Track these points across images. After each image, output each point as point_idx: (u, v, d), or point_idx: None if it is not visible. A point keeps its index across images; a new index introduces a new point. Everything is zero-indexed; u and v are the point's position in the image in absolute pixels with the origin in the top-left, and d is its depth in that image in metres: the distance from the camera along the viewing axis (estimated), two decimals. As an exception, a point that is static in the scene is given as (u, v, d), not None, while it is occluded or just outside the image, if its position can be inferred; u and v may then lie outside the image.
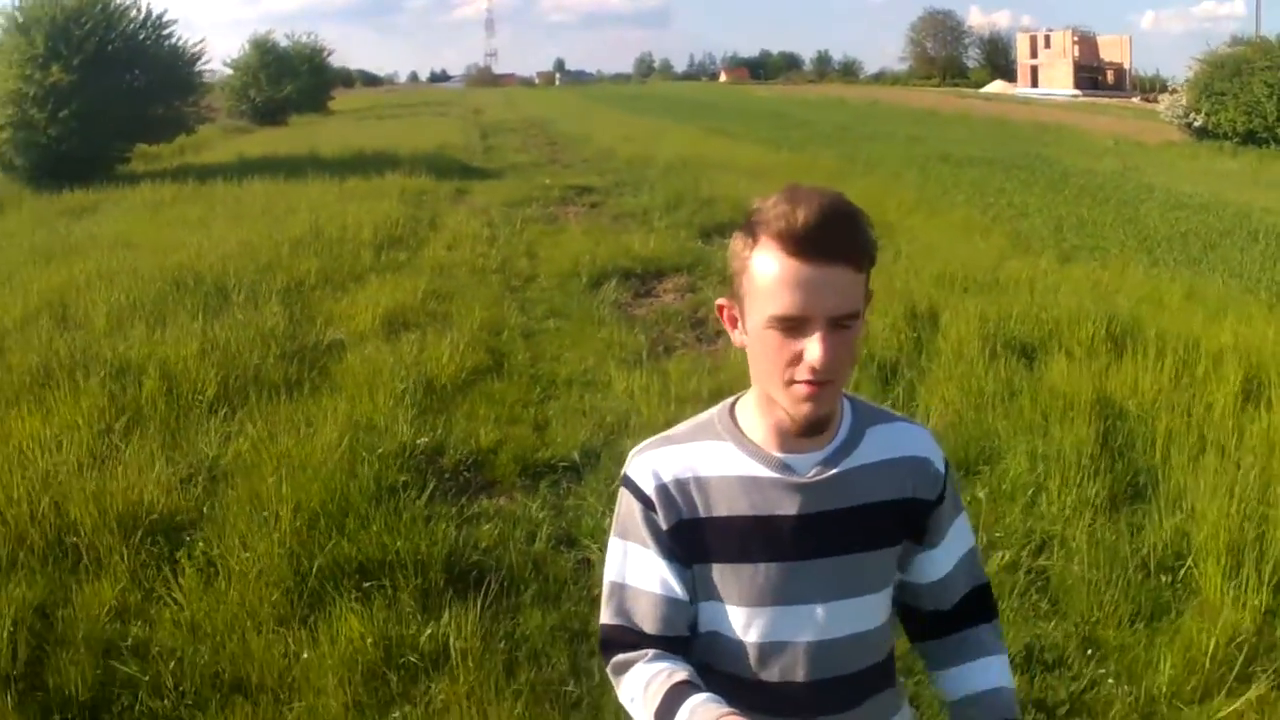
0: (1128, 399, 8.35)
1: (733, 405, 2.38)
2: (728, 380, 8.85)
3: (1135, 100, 75.37)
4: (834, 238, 2.05)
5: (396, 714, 4.69)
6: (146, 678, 4.87)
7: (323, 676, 4.81)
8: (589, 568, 6.12)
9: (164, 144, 34.25)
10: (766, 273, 2.09)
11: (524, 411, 8.67)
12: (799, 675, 2.29)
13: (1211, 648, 5.14)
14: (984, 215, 19.74)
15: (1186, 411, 8.07)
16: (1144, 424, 7.89)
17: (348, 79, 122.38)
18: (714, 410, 2.39)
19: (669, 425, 5.67)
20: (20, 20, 29.47)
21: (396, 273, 13.54)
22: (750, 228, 2.13)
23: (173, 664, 4.97)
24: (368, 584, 5.62)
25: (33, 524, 6.11)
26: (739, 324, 2.22)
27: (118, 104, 29.36)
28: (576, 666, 5.15)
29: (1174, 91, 48.45)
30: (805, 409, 2.16)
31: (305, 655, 4.97)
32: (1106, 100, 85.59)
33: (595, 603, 5.22)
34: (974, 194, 23.02)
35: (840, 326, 2.08)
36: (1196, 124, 43.88)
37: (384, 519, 6.22)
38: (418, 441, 7.71)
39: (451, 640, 5.14)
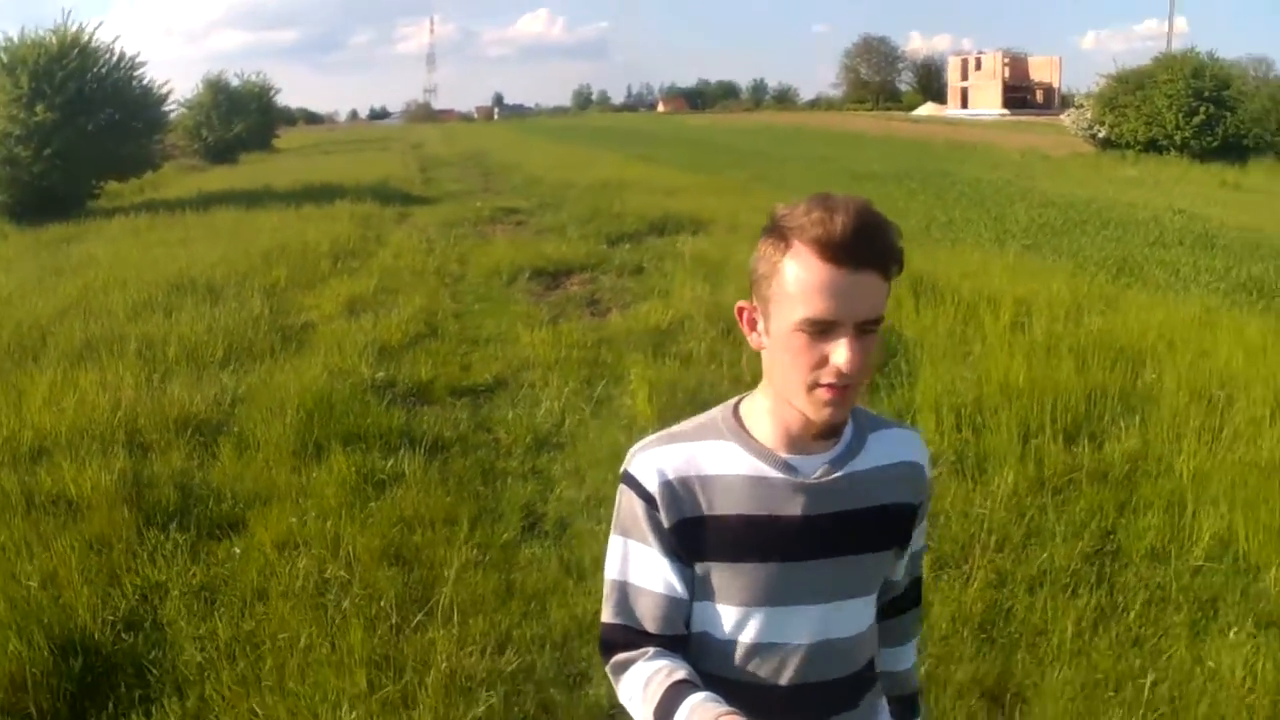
0: (902, 325, 11.23)
1: (736, 406, 2.40)
2: (604, 334, 12.15)
3: (1061, 118, 79.00)
4: (868, 245, 2.08)
5: (374, 505, 7.41)
6: (209, 496, 7.63)
7: (324, 488, 7.59)
8: (496, 442, 8.93)
9: (127, 181, 36.24)
10: (800, 277, 2.09)
11: (453, 358, 11.47)
12: (784, 679, 2.33)
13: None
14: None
15: (950, 336, 10.94)
16: (905, 338, 10.79)
17: (290, 118, 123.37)
18: (717, 410, 2.41)
19: (559, 365, 8.65)
20: (5, 61, 31.35)
21: (352, 275, 16.30)
22: (780, 232, 2.14)
23: (226, 490, 7.74)
24: (349, 445, 8.41)
25: (118, 428, 8.86)
26: (758, 326, 2.24)
27: (94, 142, 31.30)
28: (481, 475, 8.01)
29: (1079, 106, 51.95)
30: (827, 413, 2.17)
31: (315, 475, 7.81)
32: (1031, 119, 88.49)
33: (499, 449, 8.15)
34: (859, 200, 25.52)
35: (866, 332, 2.12)
36: (1100, 135, 47.39)
37: (357, 412, 9.09)
38: (376, 376, 10.55)
39: (406, 467, 8.01)
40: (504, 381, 10.71)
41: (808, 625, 2.31)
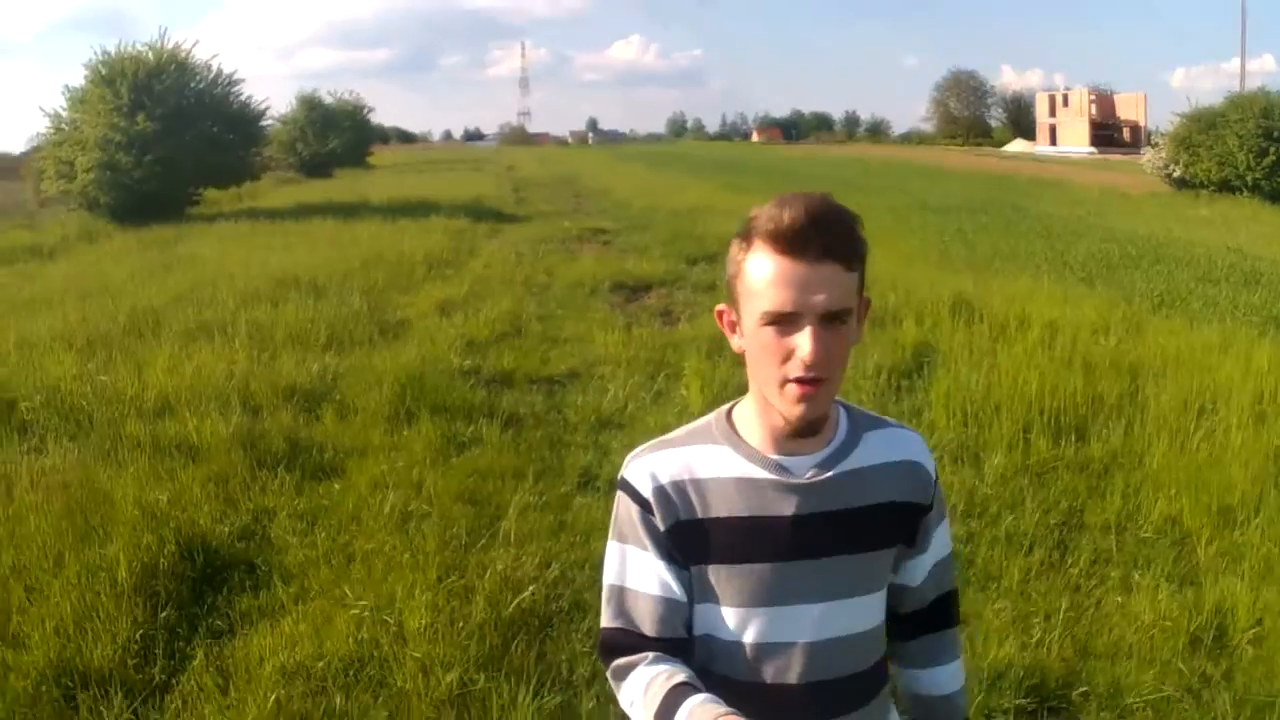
0: (939, 340, 12.42)
1: (729, 410, 2.44)
2: (672, 339, 13.32)
3: (1138, 157, 78.24)
4: (820, 236, 2.10)
5: (454, 460, 8.72)
6: (313, 447, 8.99)
7: (413, 444, 8.94)
8: (564, 420, 10.22)
9: (226, 190, 38.38)
10: (759, 273, 2.14)
11: (533, 353, 12.76)
12: (793, 677, 2.34)
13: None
14: (932, 247, 23.25)
15: (978, 349, 12.09)
16: (939, 350, 11.97)
17: (384, 136, 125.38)
18: (710, 416, 2.45)
19: (627, 363, 9.99)
20: (104, 73, 33.50)
21: (444, 281, 17.73)
22: (745, 234, 2.20)
23: (328, 444, 9.10)
24: (436, 414, 9.74)
25: (233, 392, 10.26)
26: (736, 328, 2.29)
27: (193, 151, 33.35)
28: (549, 444, 9.32)
29: (1155, 145, 51.44)
30: (799, 409, 2.19)
31: (405, 435, 9.16)
32: (1119, 157, 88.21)
33: (566, 425, 9.45)
34: (933, 233, 26.29)
35: (832, 323, 2.13)
36: (1175, 175, 47.00)
37: (444, 389, 10.46)
38: (463, 364, 11.91)
39: (484, 433, 9.34)
40: (577, 374, 12.01)
41: (809, 624, 2.33)
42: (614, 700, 2.40)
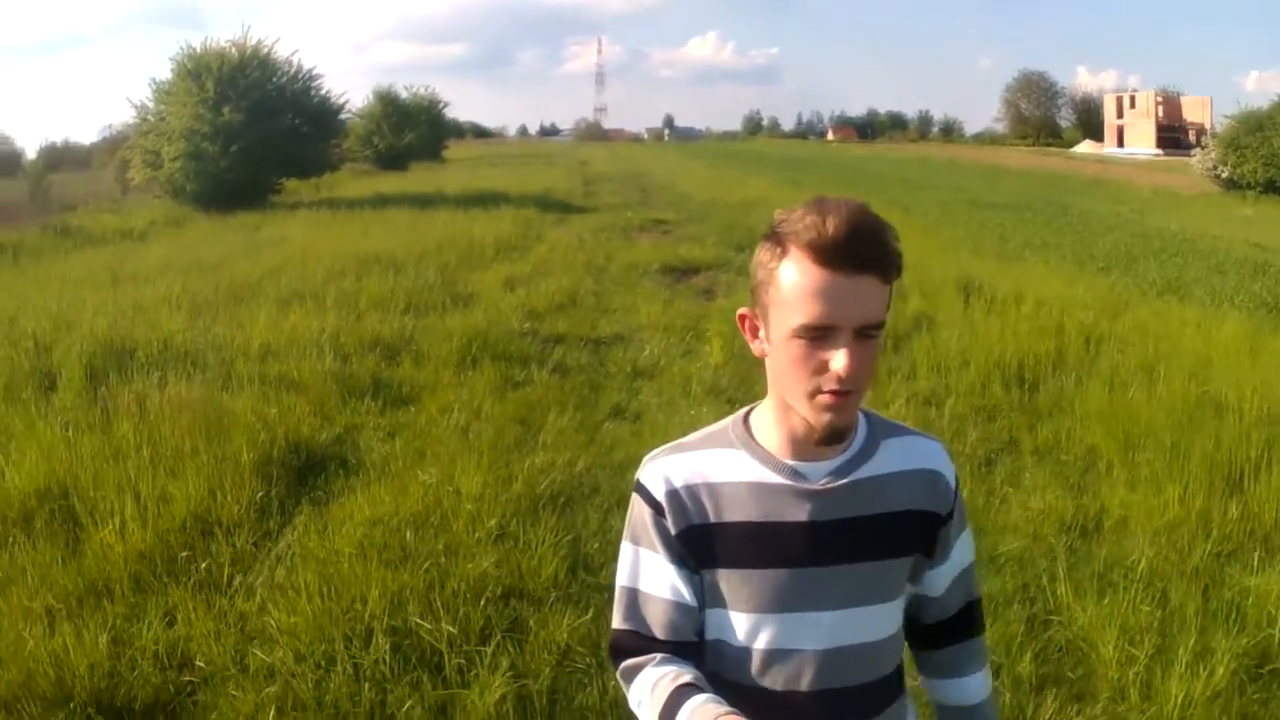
0: (938, 312, 14.14)
1: (746, 415, 2.41)
2: (707, 311, 15.16)
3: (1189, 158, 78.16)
4: (863, 248, 2.05)
5: (509, 394, 10.55)
6: (393, 383, 10.88)
7: (476, 383, 10.79)
8: (605, 370, 12.06)
9: (306, 180, 40.40)
10: (794, 282, 2.08)
11: (585, 320, 14.64)
12: (804, 684, 2.31)
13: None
14: (968, 238, 24.81)
15: (970, 319, 13.76)
16: (937, 320, 13.69)
17: (459, 131, 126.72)
18: (727, 420, 2.43)
19: (665, 328, 11.90)
20: (190, 67, 35.45)
21: (510, 262, 19.60)
22: (777, 238, 2.14)
23: (405, 381, 11.02)
24: (496, 361, 11.60)
25: (325, 343, 12.16)
26: (760, 333, 2.24)
27: (277, 142, 35.35)
28: (589, 385, 11.16)
29: (1204, 147, 52.92)
30: (827, 419, 2.15)
31: (470, 375, 11.05)
32: (1182, 159, 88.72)
33: (606, 374, 11.31)
34: (974, 226, 28.12)
35: (865, 337, 2.09)
36: (1224, 175, 48.29)
37: (504, 342, 12.37)
38: (523, 326, 13.76)
39: (535, 374, 11.24)
40: (621, 336, 13.85)
41: (822, 631, 2.30)
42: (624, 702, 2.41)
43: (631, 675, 2.34)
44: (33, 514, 7.21)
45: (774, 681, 2.32)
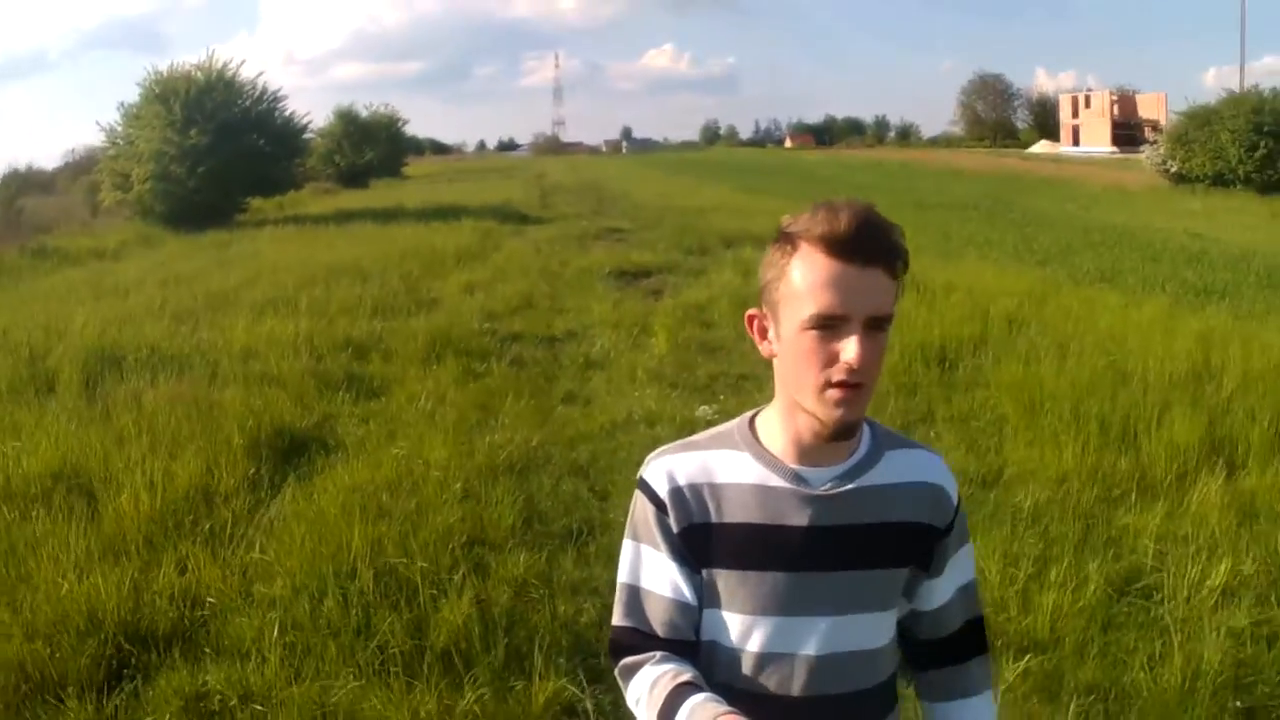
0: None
1: (753, 418, 2.43)
2: (654, 309, 16.12)
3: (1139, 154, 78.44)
4: (872, 241, 2.12)
5: (470, 385, 11.52)
6: (364, 377, 11.85)
7: (440, 375, 11.78)
8: (558, 362, 13.05)
9: (270, 199, 41.30)
10: (807, 275, 2.13)
11: (540, 320, 15.67)
12: (796, 689, 2.33)
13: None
14: (909, 238, 25.62)
15: (898, 307, 14.74)
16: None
17: (419, 147, 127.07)
18: (734, 422, 2.44)
19: (615, 324, 13.01)
20: (158, 91, 36.49)
21: (470, 270, 20.63)
22: (787, 238, 2.18)
23: (376, 375, 12.02)
24: (458, 356, 12.61)
25: (301, 343, 13.12)
26: (769, 333, 2.27)
27: (243, 163, 36.34)
28: (544, 376, 12.12)
29: (1154, 142, 53.73)
30: (838, 413, 2.17)
31: (434, 367, 12.03)
32: (1138, 156, 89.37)
33: (559, 366, 12.32)
34: (918, 226, 28.37)
35: (875, 329, 2.13)
36: (1173, 170, 49.37)
37: (465, 339, 13.38)
38: (483, 327, 14.73)
39: (494, 366, 12.26)
40: (574, 333, 14.86)
41: (816, 636, 2.32)
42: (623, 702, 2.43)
43: (630, 673, 2.37)
44: (50, 491, 8.13)
45: (766, 685, 2.35)
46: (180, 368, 12.11)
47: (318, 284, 17.96)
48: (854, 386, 2.14)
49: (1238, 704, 5.38)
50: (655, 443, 7.54)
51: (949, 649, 2.54)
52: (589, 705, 5.34)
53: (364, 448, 9.30)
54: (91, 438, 9.25)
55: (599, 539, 7.44)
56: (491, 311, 16.08)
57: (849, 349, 2.10)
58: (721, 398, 11.19)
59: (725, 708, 2.09)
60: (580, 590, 6.66)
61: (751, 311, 2.32)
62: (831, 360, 2.13)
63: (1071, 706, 5.26)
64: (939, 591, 2.49)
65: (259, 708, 5.27)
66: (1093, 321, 13.93)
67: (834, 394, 2.15)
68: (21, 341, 13.34)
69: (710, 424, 7.02)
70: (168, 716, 5.24)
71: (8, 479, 8.42)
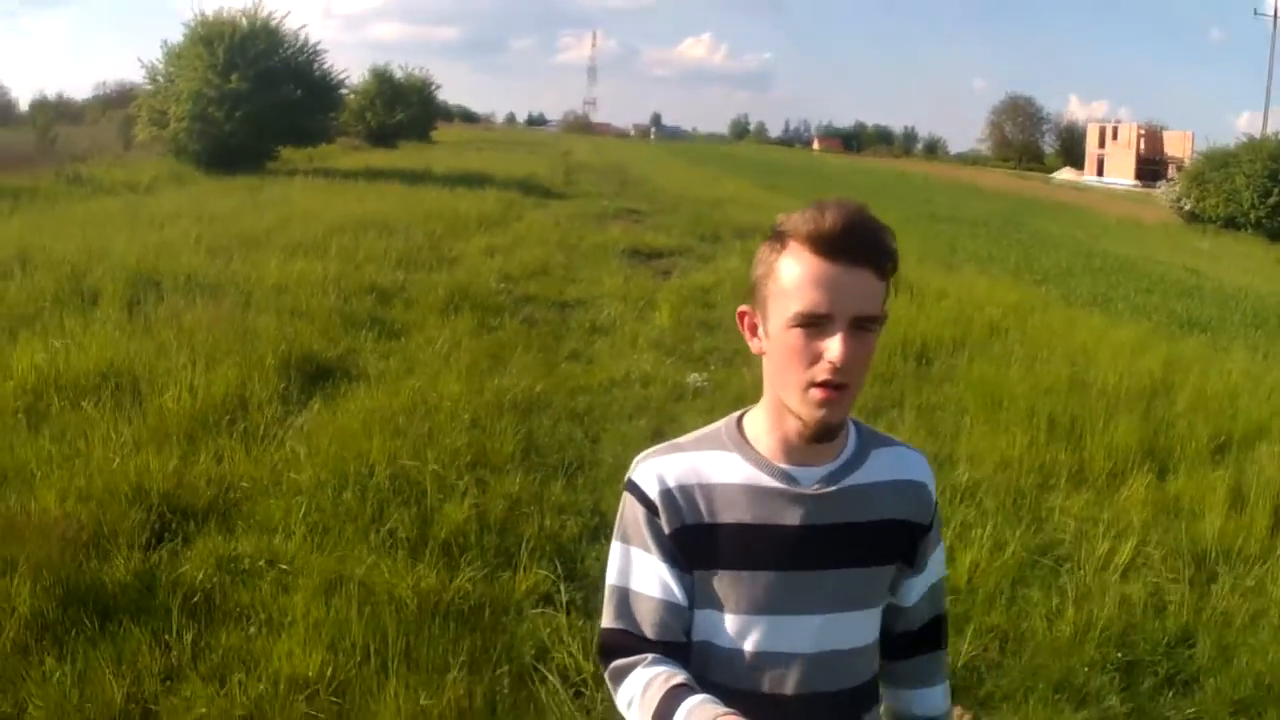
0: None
1: (740, 418, 2.46)
2: (662, 286, 17.01)
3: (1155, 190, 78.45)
4: (859, 241, 2.13)
5: (485, 336, 12.41)
6: (387, 320, 12.74)
7: (457, 324, 12.63)
8: (567, 325, 13.94)
9: (302, 149, 42.02)
10: (793, 273, 2.16)
11: (554, 285, 16.56)
12: (789, 688, 2.36)
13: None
14: (918, 248, 25.70)
15: (891, 309, 15.58)
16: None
17: (449, 114, 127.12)
18: (721, 422, 2.47)
19: (623, 297, 13.91)
20: (202, 33, 37.14)
21: (491, 234, 21.47)
22: (777, 236, 2.21)
23: (398, 320, 12.91)
24: (475, 309, 13.49)
25: (329, 284, 14.02)
26: (759, 330, 2.30)
27: (279, 111, 36.91)
28: (552, 335, 13.04)
29: (1170, 180, 54.92)
30: (821, 414, 2.20)
31: (452, 317, 12.89)
32: (1157, 192, 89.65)
33: (567, 328, 13.24)
34: (928, 238, 29.58)
35: (861, 329, 2.16)
36: (1186, 208, 49.77)
37: (482, 294, 14.29)
38: (500, 286, 15.63)
39: (506, 322, 13.18)
40: (584, 301, 15.72)
41: (809, 635, 2.35)
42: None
43: (621, 675, 2.36)
44: (99, 387, 9.05)
45: (760, 684, 2.37)
46: (215, 295, 12.91)
47: (346, 233, 18.75)
48: (837, 387, 2.18)
49: (1119, 655, 6.23)
50: (647, 401, 8.86)
51: (919, 641, 2.64)
52: (564, 597, 6.18)
53: (384, 379, 10.19)
54: (135, 346, 10.18)
55: (587, 473, 8.38)
56: (509, 274, 16.90)
57: (833, 348, 2.13)
58: (712, 368, 12.00)
59: (723, 709, 2.11)
60: (566, 510, 7.52)
61: (743, 308, 2.36)
62: (815, 359, 2.16)
63: (970, 635, 6.16)
64: (915, 589, 2.58)
65: (285, 568, 6.20)
66: (1070, 337, 14.67)
67: (817, 394, 2.19)
68: (64, 259, 14.15)
69: (698, 389, 9.64)
70: (203, 572, 6.12)
71: (59, 372, 9.31)
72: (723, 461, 2.36)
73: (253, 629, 5.61)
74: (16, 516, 6.42)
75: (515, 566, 6.51)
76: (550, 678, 5.38)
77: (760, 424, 2.38)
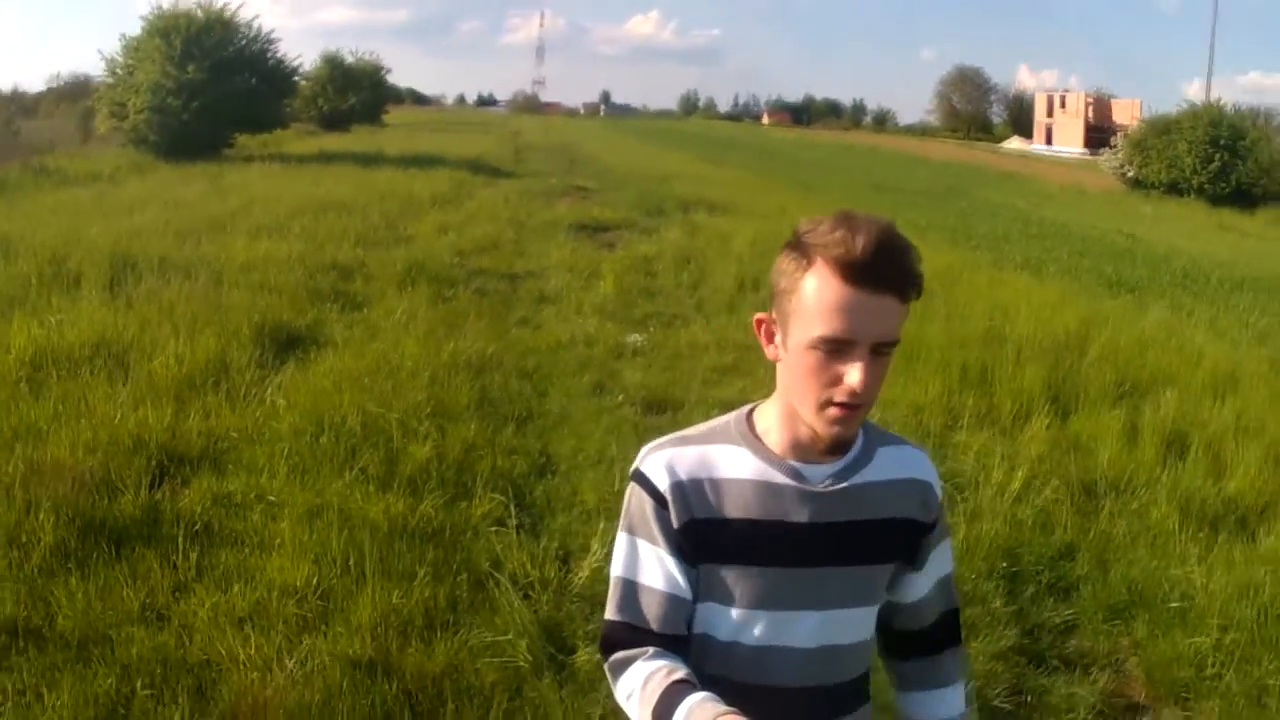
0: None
1: (750, 412, 2.43)
2: (607, 258, 17.98)
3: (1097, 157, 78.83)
4: (888, 268, 2.10)
5: (440, 306, 13.35)
6: (349, 294, 13.68)
7: (414, 297, 13.55)
8: (516, 294, 14.89)
9: (257, 136, 42.73)
10: (818, 295, 2.11)
11: (504, 259, 17.51)
12: (788, 681, 2.38)
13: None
14: None
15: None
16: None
17: (399, 97, 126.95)
18: (730, 416, 2.45)
19: (570, 268, 15.07)
20: (160, 26, 37.93)
21: (444, 213, 22.37)
22: (803, 249, 2.16)
23: (359, 293, 13.84)
24: (430, 282, 14.40)
25: (295, 263, 14.93)
26: (776, 339, 2.27)
27: (235, 100, 37.71)
28: (503, 304, 14.00)
29: (1113, 146, 55.71)
30: (835, 431, 2.21)
31: (409, 290, 13.83)
32: (1102, 159, 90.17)
33: (516, 298, 14.24)
34: (868, 209, 29.60)
35: (879, 354, 2.14)
36: (1130, 175, 51.05)
37: (436, 269, 15.22)
38: (453, 261, 16.58)
39: (460, 293, 14.14)
40: (533, 273, 16.67)
41: (810, 630, 2.36)
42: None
43: (621, 668, 2.35)
44: (92, 357, 9.95)
45: (759, 677, 2.37)
46: (189, 274, 13.74)
47: (306, 215, 19.61)
48: (853, 408, 2.17)
49: (1005, 565, 7.11)
50: (590, 359, 10.57)
51: (925, 640, 2.62)
52: (514, 521, 7.15)
53: (349, 345, 11.10)
54: (121, 321, 11.07)
55: (536, 421, 9.37)
56: (461, 249, 17.80)
57: (853, 374, 2.11)
58: (651, 330, 12.90)
59: (724, 707, 2.08)
60: (517, 452, 8.47)
61: (760, 316, 2.32)
62: (835, 381, 2.14)
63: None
64: (920, 585, 2.56)
65: (272, 500, 7.19)
66: (992, 296, 15.60)
67: (833, 413, 2.18)
68: (44, 245, 14.94)
69: (637, 349, 10.94)
70: (201, 506, 7.09)
71: (53, 345, 10.19)
72: (732, 456, 2.36)
73: (247, 550, 6.56)
74: (36, 462, 7.37)
75: (472, 496, 7.48)
76: (503, 581, 6.29)
77: (771, 420, 2.37)
